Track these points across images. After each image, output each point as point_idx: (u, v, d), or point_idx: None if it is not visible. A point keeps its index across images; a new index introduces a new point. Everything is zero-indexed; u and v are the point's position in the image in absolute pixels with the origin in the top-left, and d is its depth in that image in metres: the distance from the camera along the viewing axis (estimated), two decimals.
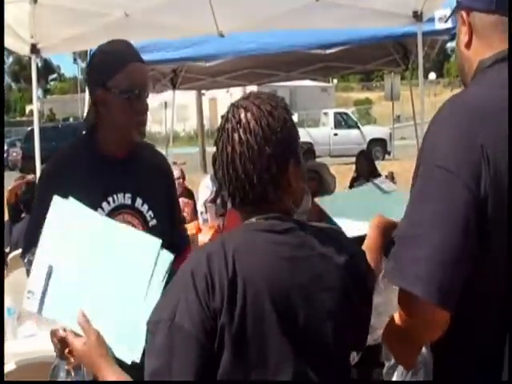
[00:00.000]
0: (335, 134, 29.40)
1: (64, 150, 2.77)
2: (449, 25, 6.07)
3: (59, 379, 2.08)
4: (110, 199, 2.56)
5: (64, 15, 5.22)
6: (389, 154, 28.50)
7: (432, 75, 49.81)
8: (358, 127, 29.84)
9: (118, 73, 2.51)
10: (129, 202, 2.61)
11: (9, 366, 3.26)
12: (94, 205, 2.39)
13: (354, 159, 22.27)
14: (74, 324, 1.91)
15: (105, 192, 2.56)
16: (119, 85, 2.51)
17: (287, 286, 1.62)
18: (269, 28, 5.82)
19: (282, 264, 1.64)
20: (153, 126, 48.05)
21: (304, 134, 29.57)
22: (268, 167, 1.66)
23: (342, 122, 30.25)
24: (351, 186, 8.89)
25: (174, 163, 11.45)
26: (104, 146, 2.62)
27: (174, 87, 9.11)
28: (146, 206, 2.63)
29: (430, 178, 1.63)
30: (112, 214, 2.54)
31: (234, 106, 1.72)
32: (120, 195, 2.59)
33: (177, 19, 5.39)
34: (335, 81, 52.13)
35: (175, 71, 8.70)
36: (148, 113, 2.63)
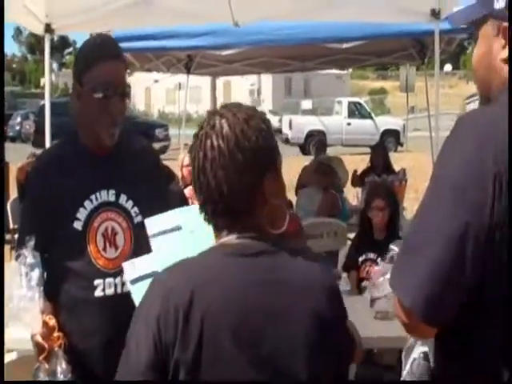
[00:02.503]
0: (348, 124, 29.17)
1: (52, 147, 2.74)
2: None
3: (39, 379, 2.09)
4: (93, 197, 2.50)
5: None
6: (401, 145, 28.39)
7: (448, 67, 49.49)
8: (372, 117, 29.67)
9: (91, 68, 2.43)
10: (113, 198, 2.54)
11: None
12: (77, 203, 2.37)
13: (366, 149, 22.30)
14: None
15: (88, 190, 2.50)
16: (91, 81, 2.43)
17: (251, 313, 1.54)
18: (285, 20, 5.80)
19: (249, 291, 1.56)
20: (167, 107, 48.29)
21: (317, 122, 29.46)
22: (240, 177, 1.59)
23: (356, 111, 30.03)
24: (362, 181, 8.85)
25: (186, 145, 11.50)
26: (86, 143, 2.56)
27: (188, 72, 9.08)
28: (130, 202, 2.57)
29: (438, 196, 1.60)
30: (96, 211, 2.50)
31: (211, 113, 1.66)
32: (103, 192, 2.53)
33: (194, 7, 5.35)
34: (350, 69, 51.89)
35: (190, 56, 8.68)
36: (120, 114, 2.51)
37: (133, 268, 2.22)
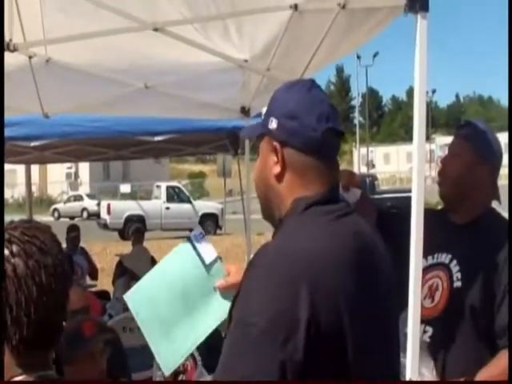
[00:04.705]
0: (167, 208, 29.37)
1: None
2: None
3: None
4: None
5: None
6: (220, 228, 28.89)
7: None
8: (191, 201, 30.03)
9: None
10: None
11: None
12: None
13: (186, 233, 22.21)
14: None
15: None
16: None
17: None
18: (97, 112, 5.76)
19: None
20: None
21: (136, 207, 29.32)
22: (51, 302, 1.53)
23: (175, 195, 30.30)
24: None
25: None
26: None
27: None
28: None
29: (242, 335, 1.58)
30: None
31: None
32: None
33: None
34: None
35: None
36: None
37: None
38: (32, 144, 7.20)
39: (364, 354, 1.62)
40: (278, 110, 1.80)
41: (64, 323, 1.61)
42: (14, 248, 1.52)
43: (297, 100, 1.80)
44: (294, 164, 1.77)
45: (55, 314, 1.55)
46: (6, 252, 1.52)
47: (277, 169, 1.78)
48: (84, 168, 46.02)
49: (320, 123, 1.75)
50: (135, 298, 2.29)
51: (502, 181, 2.99)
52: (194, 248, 2.34)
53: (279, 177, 1.79)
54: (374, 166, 66.26)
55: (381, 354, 1.70)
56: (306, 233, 1.68)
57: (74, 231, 9.21)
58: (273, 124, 1.79)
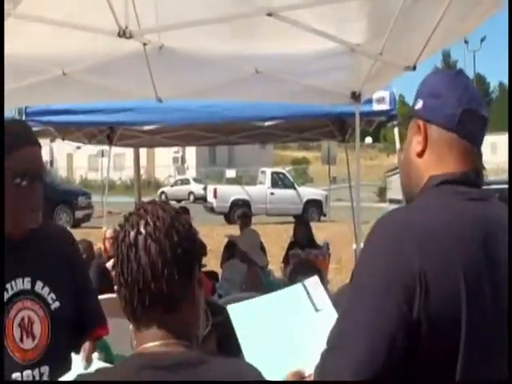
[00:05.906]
0: (272, 193, 29.49)
1: None
2: (386, 106, 6.23)
3: None
4: (9, 286, 2.40)
5: None
6: (324, 215, 28.78)
7: (368, 139, 50.62)
8: (295, 188, 30.06)
9: (12, 153, 2.36)
10: (28, 286, 2.44)
11: None
12: None
13: (290, 218, 22.20)
14: None
15: (7, 279, 2.42)
16: (13, 167, 2.36)
17: None
18: (208, 97, 5.83)
19: None
20: (89, 173, 47.89)
21: (241, 191, 29.60)
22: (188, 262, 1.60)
23: (279, 181, 30.38)
24: (286, 255, 8.85)
25: (109, 213, 11.43)
26: (7, 227, 2.45)
27: (111, 143, 9.03)
28: (46, 289, 2.47)
29: (364, 291, 1.64)
30: (11, 301, 2.40)
31: (149, 204, 1.68)
32: (19, 280, 2.43)
33: (116, 82, 5.32)
34: None
35: (112, 128, 8.63)
36: (40, 198, 2.45)
37: None
38: (145, 128, 7.41)
39: (477, 336, 1.63)
40: (424, 91, 1.90)
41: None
42: (159, 208, 1.64)
43: (442, 81, 1.89)
44: (435, 141, 1.85)
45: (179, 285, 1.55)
46: (149, 209, 1.62)
47: (419, 146, 1.87)
48: (190, 152, 46.79)
49: (461, 103, 1.81)
50: (239, 312, 2.26)
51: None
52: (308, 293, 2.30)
53: (420, 154, 1.87)
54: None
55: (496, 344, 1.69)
56: (429, 205, 1.76)
57: (184, 214, 9.34)
58: (419, 104, 1.89)
